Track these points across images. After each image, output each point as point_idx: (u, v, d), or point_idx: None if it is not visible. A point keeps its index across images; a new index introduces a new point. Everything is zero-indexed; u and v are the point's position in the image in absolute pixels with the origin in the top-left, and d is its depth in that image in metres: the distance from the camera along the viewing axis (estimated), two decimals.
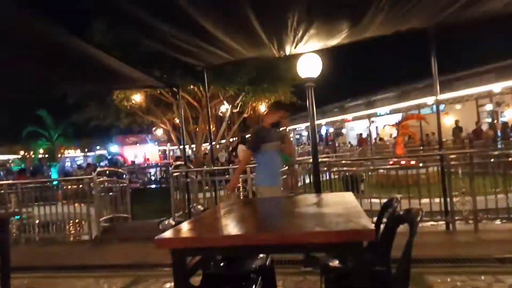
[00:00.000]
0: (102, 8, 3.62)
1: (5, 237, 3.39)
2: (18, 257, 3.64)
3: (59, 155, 20.59)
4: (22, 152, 22.42)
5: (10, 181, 8.62)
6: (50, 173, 17.81)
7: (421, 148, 14.25)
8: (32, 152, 20.77)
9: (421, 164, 6.57)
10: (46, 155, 20.42)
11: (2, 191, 6.82)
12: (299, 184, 8.36)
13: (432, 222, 5.18)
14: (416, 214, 1.97)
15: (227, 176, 6.79)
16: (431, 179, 5.76)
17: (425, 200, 5.31)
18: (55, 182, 10.08)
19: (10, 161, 23.40)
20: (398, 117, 18.51)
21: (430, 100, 16.92)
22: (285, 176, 7.30)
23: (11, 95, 7.06)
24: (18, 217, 6.56)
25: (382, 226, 2.46)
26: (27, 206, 6.75)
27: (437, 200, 5.33)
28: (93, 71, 5.04)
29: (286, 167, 7.77)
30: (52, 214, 6.64)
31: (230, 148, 15.88)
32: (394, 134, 14.31)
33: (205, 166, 9.94)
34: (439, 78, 5.12)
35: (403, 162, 7.93)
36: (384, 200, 4.69)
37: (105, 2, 3.26)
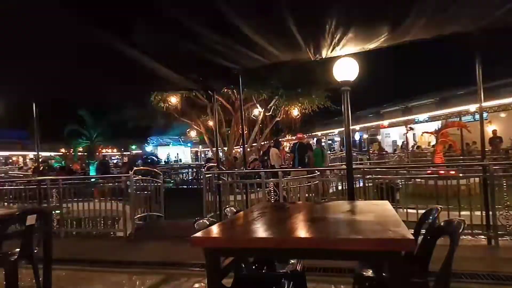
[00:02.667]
0: (143, 11, 3.72)
1: (48, 229, 3.56)
2: (58, 249, 3.80)
3: (97, 154, 21.43)
4: (63, 150, 23.49)
5: (52, 177, 9.06)
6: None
7: (461, 157, 13.61)
8: (71, 150, 21.75)
9: (461, 174, 6.28)
10: (85, 153, 21.35)
11: (45, 186, 7.17)
12: (331, 190, 8.24)
13: (472, 236, 4.93)
14: (458, 226, 1.88)
15: (258, 179, 6.80)
16: (472, 190, 5.49)
17: (465, 213, 5.07)
18: (93, 179, 10.51)
19: (51, 158, 24.63)
20: (437, 124, 17.84)
21: (472, 107, 16.19)
22: (316, 182, 7.23)
23: (57, 95, 7.45)
24: (59, 211, 6.89)
25: (419, 237, 2.37)
26: (67, 201, 7.07)
27: (478, 213, 5.08)
28: (135, 73, 5.23)
29: (318, 173, 7.71)
30: (89, 210, 6.92)
31: (261, 152, 15.90)
32: (433, 142, 13.79)
33: (236, 169, 10.01)
34: (483, 85, 4.87)
35: (442, 172, 7.62)
36: (421, 211, 4.54)
37: (146, 6, 3.35)
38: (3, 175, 17.14)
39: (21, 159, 34.35)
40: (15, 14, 3.07)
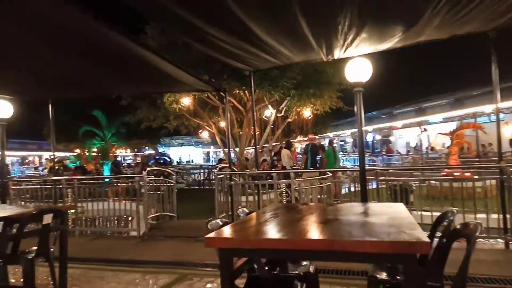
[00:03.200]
0: (155, 13, 3.77)
1: (64, 228, 3.63)
2: (73, 248, 3.87)
3: (111, 154, 21.68)
4: (77, 150, 23.85)
5: (68, 177, 9.22)
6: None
7: (477, 159, 13.37)
8: (86, 151, 22.04)
9: (476, 177, 6.16)
10: (99, 154, 21.60)
11: (61, 186, 7.31)
12: (343, 192, 8.19)
13: (489, 240, 4.84)
14: (474, 229, 1.85)
15: (269, 180, 6.80)
16: (488, 193, 5.39)
17: (481, 215, 4.98)
18: (107, 179, 10.65)
19: (67, 158, 25.01)
20: (451, 125, 17.57)
21: (488, 108, 15.88)
22: (329, 183, 7.19)
23: (72, 95, 7.59)
24: (74, 210, 7.00)
25: (435, 240, 2.34)
26: (81, 201, 7.18)
27: (494, 216, 4.98)
28: (149, 75, 5.31)
29: (330, 174, 7.66)
30: (103, 209, 7.02)
31: (273, 153, 15.88)
32: (447, 143, 13.58)
33: (247, 170, 10.03)
34: (499, 85, 4.78)
35: (456, 174, 7.50)
36: (435, 213, 4.47)
37: (158, 8, 3.39)
38: (20, 174, 17.50)
39: (37, 159, 35.05)
40: (33, 14, 3.14)
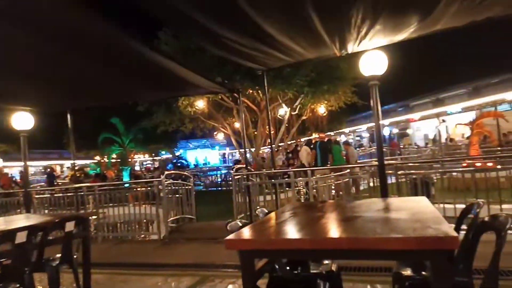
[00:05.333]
0: (172, 18, 3.79)
1: (86, 234, 3.68)
2: (96, 253, 3.92)
3: (129, 160, 22.04)
4: (97, 157, 24.31)
5: (88, 184, 9.39)
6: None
7: (499, 148, 12.99)
8: (105, 157, 22.44)
9: (499, 166, 5.97)
10: (119, 160, 21.97)
11: (82, 193, 7.44)
12: (362, 187, 8.07)
13: None
14: (505, 221, 1.77)
15: (286, 178, 6.76)
16: None
17: (507, 206, 4.82)
18: (126, 185, 10.81)
19: (87, 166, 25.52)
20: (471, 115, 17.14)
21: (508, 95, 15.43)
22: (347, 179, 7.10)
23: (91, 104, 7.72)
24: (96, 216, 7.13)
25: (461, 233, 2.26)
26: (102, 207, 7.30)
27: None
28: (164, 80, 5.35)
29: (348, 170, 7.56)
30: (124, 214, 7.11)
31: (288, 151, 15.81)
32: (467, 133, 13.25)
33: (264, 169, 10.00)
34: None
35: (478, 164, 7.29)
36: (458, 205, 4.35)
37: (176, 13, 3.40)
38: (43, 183, 17.95)
39: (58, 168, 35.87)
40: (51, 24, 3.19)
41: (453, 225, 2.35)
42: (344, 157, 11.23)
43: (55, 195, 8.09)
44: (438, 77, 22.68)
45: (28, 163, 6.14)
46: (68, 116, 6.98)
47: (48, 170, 20.35)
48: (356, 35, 4.03)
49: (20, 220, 3.71)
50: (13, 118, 5.68)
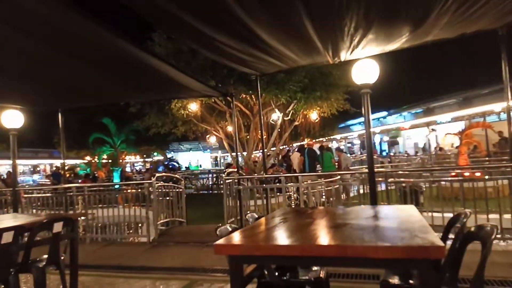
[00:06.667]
0: (164, 21, 3.79)
1: (74, 235, 3.65)
2: (83, 255, 3.88)
3: (121, 161, 21.85)
4: (88, 158, 24.06)
5: (78, 184, 9.29)
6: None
7: (487, 159, 13.19)
8: (96, 158, 22.22)
9: (487, 177, 6.06)
10: (109, 161, 21.77)
11: (72, 193, 7.36)
12: (352, 194, 8.12)
13: (503, 241, 4.74)
14: (490, 231, 1.81)
15: (278, 184, 6.77)
16: (501, 193, 5.30)
17: (493, 216, 4.89)
18: (116, 186, 10.72)
19: (77, 166, 25.24)
20: (460, 125, 17.36)
21: (497, 106, 15.65)
22: (337, 186, 7.13)
23: (82, 104, 7.66)
24: (84, 217, 7.05)
25: (448, 242, 2.29)
26: (92, 208, 7.22)
27: (507, 216, 4.89)
28: (157, 82, 5.34)
29: (338, 177, 7.61)
30: (114, 216, 7.04)
31: (280, 156, 15.84)
32: (456, 143, 13.42)
33: (255, 174, 10.02)
34: (510, 82, 4.70)
35: (467, 174, 7.38)
36: (446, 214, 4.40)
37: (167, 16, 3.41)
38: (31, 183, 17.72)
39: (48, 167, 35.43)
40: (43, 25, 3.17)
41: (441, 234, 2.39)
42: (336, 164, 11.30)
43: (44, 195, 7.98)
44: (430, 87, 22.96)
45: (17, 161, 6.06)
46: (59, 116, 6.92)
47: (54, 168, 20.08)
48: (349, 43, 4.08)
49: (7, 219, 3.65)
50: (3, 116, 5.61)
